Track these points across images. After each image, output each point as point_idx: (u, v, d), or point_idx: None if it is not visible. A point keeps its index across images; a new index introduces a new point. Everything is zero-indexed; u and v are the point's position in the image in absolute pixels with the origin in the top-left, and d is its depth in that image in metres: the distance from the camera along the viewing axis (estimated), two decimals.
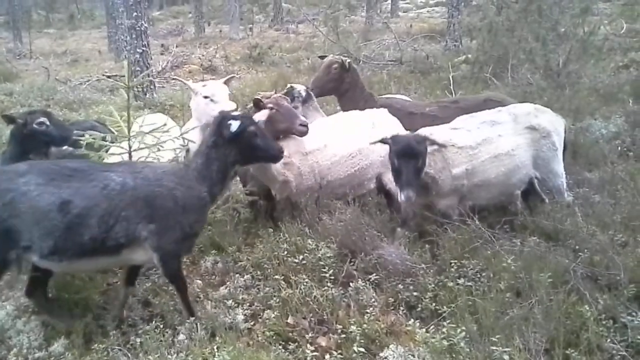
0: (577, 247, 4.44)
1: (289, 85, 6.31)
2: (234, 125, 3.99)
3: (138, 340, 3.68)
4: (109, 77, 13.88)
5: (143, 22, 12.06)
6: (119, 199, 3.72)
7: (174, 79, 6.95)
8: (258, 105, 5.19)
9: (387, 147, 4.98)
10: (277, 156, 4.41)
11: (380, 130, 5.37)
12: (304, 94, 6.18)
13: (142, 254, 3.87)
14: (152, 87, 12.15)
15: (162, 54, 18.90)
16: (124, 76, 4.85)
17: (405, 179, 4.40)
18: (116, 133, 5.03)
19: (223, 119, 4.08)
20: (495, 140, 5.00)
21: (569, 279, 3.90)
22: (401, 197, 4.41)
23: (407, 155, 4.42)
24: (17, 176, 3.71)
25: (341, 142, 5.45)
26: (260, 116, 4.89)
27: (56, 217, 3.60)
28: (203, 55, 17.49)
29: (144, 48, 12.00)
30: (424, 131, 5.04)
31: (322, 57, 6.49)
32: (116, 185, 3.76)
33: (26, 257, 3.75)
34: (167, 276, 4.06)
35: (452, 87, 10.71)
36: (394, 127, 5.51)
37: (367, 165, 5.49)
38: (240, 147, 4.11)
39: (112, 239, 3.70)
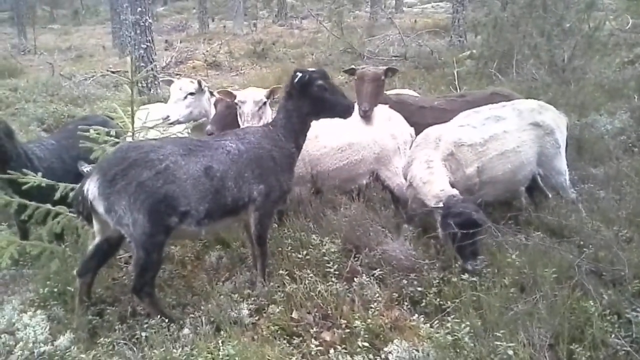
0: (581, 242, 4.44)
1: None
2: (297, 77, 4.33)
3: (143, 334, 3.67)
4: (113, 72, 13.89)
5: (147, 17, 12.06)
6: (240, 162, 4.10)
7: (162, 80, 6.89)
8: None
9: (381, 142, 5.25)
10: (346, 110, 4.57)
11: (377, 125, 5.56)
12: None
13: (247, 214, 4.26)
14: (156, 82, 12.15)
15: (166, 49, 18.89)
16: (127, 71, 4.84)
17: (471, 250, 4.22)
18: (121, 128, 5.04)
19: (294, 72, 4.40)
20: (501, 136, 4.97)
21: (573, 275, 3.89)
22: (469, 267, 4.21)
23: (473, 227, 4.18)
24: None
25: (332, 135, 5.47)
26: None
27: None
28: (207, 51, 17.47)
29: (148, 44, 11.99)
30: (432, 131, 5.03)
31: (349, 72, 6.16)
32: (235, 150, 4.13)
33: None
34: (258, 237, 4.30)
35: (456, 83, 10.70)
36: (393, 122, 5.58)
37: (358, 161, 5.51)
38: (311, 99, 4.39)
39: (241, 200, 4.10)
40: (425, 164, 4.80)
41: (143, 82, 11.53)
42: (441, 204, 4.39)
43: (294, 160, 4.54)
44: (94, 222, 3.96)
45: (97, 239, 4.06)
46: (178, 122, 5.48)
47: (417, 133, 5.41)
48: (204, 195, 3.91)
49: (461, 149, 4.85)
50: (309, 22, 24.61)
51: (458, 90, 10.03)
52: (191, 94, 5.58)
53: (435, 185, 4.64)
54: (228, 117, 5.28)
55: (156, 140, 4.27)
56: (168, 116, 5.39)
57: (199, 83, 5.65)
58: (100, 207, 3.75)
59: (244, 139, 4.27)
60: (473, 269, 4.18)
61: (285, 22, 26.01)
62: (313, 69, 4.51)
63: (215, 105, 5.42)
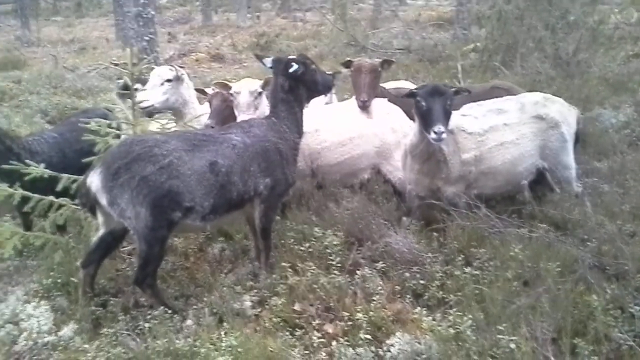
0: (585, 236, 4.42)
1: None
2: (293, 67, 4.39)
3: (146, 325, 3.69)
4: (115, 65, 13.87)
5: (150, 9, 12.07)
6: (246, 156, 4.11)
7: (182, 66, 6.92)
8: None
9: (381, 136, 5.32)
10: (330, 85, 4.87)
11: (377, 119, 5.54)
12: None
13: (252, 207, 4.32)
14: None
15: (169, 42, 18.91)
16: (127, 63, 4.85)
17: (435, 115, 4.41)
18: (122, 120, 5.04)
19: (287, 63, 4.43)
20: (501, 128, 4.98)
21: (577, 269, 3.89)
22: (432, 133, 4.33)
23: (437, 94, 4.46)
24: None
25: (333, 129, 5.49)
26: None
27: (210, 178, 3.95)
28: (210, 44, 17.49)
29: (151, 36, 12.02)
30: None
31: (346, 64, 5.95)
32: (240, 144, 4.13)
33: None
34: (263, 229, 4.38)
35: (460, 76, 10.65)
36: (393, 116, 5.56)
37: (359, 155, 5.52)
38: (306, 85, 4.54)
39: (247, 194, 4.13)
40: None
41: (145, 74, 11.53)
42: None
43: (298, 151, 4.60)
44: (98, 214, 4.00)
45: (102, 231, 4.08)
46: (153, 107, 5.50)
47: None
48: (209, 190, 3.93)
49: (461, 134, 4.86)
50: (312, 15, 24.59)
51: (462, 83, 9.98)
52: (168, 80, 5.59)
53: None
54: (225, 111, 5.29)
55: (161, 135, 4.26)
56: (142, 101, 5.41)
57: (177, 71, 5.67)
58: (103, 200, 3.78)
59: (250, 132, 4.26)
60: (438, 132, 4.32)
61: (289, 15, 25.98)
62: (294, 58, 4.55)
63: (209, 101, 5.42)
